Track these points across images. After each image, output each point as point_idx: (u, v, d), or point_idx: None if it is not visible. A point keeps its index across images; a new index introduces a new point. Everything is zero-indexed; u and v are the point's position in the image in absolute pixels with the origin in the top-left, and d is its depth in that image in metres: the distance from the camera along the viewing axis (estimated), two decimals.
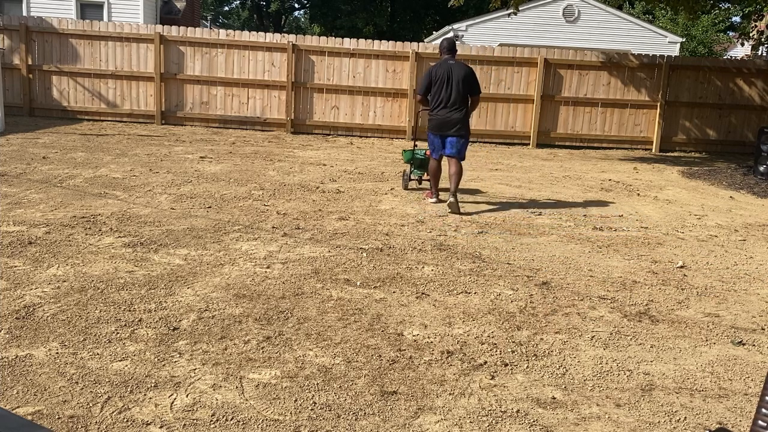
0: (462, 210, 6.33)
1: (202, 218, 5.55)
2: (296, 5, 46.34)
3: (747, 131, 13.11)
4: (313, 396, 2.68)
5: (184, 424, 2.43)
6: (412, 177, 7.51)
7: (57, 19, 12.90)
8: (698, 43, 27.21)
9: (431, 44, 15.65)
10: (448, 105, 6.38)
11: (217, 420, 2.47)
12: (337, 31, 32.13)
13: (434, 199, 6.77)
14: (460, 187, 6.52)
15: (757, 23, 12.59)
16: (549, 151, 12.40)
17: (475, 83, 6.56)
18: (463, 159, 6.52)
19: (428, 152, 6.91)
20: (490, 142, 12.96)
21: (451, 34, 18.56)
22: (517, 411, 2.66)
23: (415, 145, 7.51)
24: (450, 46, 6.62)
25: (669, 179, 9.54)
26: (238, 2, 49.78)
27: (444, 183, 6.91)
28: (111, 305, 3.53)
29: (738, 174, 10.13)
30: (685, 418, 2.69)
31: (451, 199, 6.23)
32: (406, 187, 7.46)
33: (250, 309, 3.58)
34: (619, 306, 3.97)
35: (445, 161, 6.64)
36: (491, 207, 6.73)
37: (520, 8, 13.28)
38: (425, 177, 7.34)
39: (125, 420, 2.43)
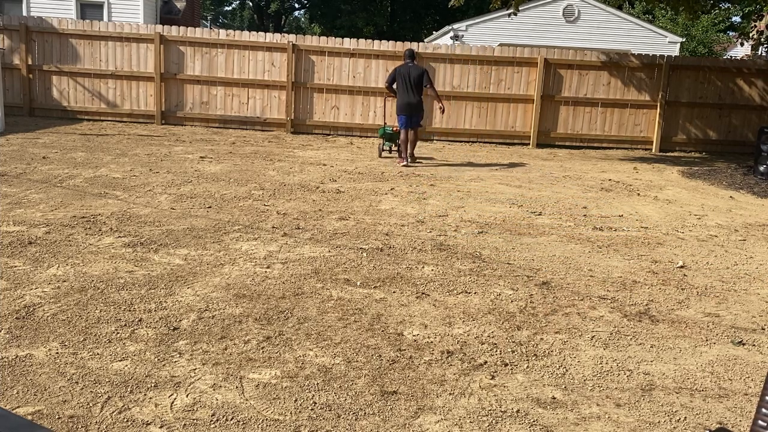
0: (417, 163, 9.58)
1: (202, 218, 5.55)
2: (296, 5, 46.35)
3: (747, 131, 13.11)
4: (313, 396, 2.68)
5: (184, 424, 2.43)
6: (384, 148, 10.14)
7: (57, 19, 12.90)
8: (698, 43, 27.20)
9: (431, 44, 15.66)
10: (410, 94, 9.22)
11: (217, 420, 2.47)
12: (337, 31, 32.13)
13: (405, 162, 9.26)
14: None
15: (757, 23, 12.60)
16: (549, 151, 12.40)
17: (427, 78, 9.31)
18: (420, 126, 9.69)
19: (395, 128, 9.70)
20: (490, 142, 12.96)
21: (451, 34, 18.59)
22: (517, 411, 2.66)
23: (385, 123, 10.13)
24: (410, 54, 9.51)
25: (669, 179, 9.54)
26: (237, 2, 49.78)
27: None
28: (111, 305, 3.53)
29: (738, 174, 10.13)
30: (685, 418, 2.69)
31: (409, 159, 9.32)
32: (380, 156, 10.05)
33: (250, 309, 3.58)
34: (619, 306, 3.97)
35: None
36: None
37: (520, 8, 13.27)
38: (394, 148, 10.05)
39: (125, 420, 2.43)
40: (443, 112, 9.55)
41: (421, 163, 9.66)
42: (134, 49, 12.68)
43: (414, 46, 12.80)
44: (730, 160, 11.92)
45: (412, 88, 9.19)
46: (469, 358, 3.13)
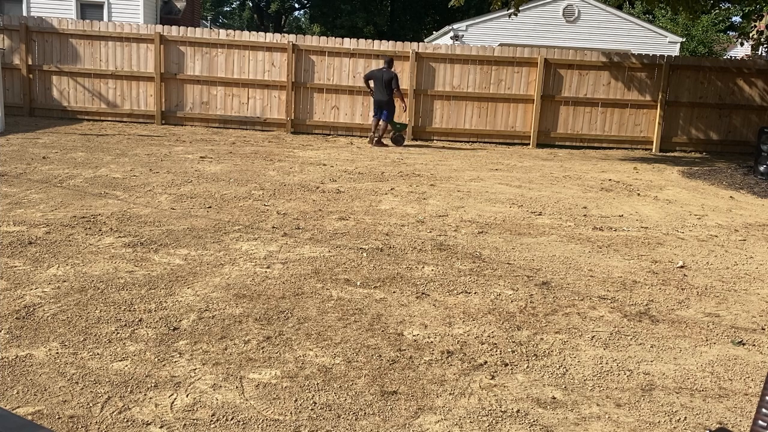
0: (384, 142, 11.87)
1: (202, 218, 5.56)
2: (296, 5, 46.34)
3: (747, 131, 13.11)
4: (313, 396, 2.68)
5: (184, 424, 2.43)
6: (394, 134, 12.13)
7: (57, 19, 12.91)
8: (698, 43, 27.20)
9: (431, 44, 15.65)
10: (380, 93, 11.52)
11: (217, 420, 2.47)
12: (337, 31, 32.13)
13: (372, 143, 11.77)
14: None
15: (757, 23, 12.60)
16: (549, 151, 12.40)
17: (395, 83, 11.50)
18: (390, 119, 11.83)
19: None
20: (490, 142, 12.97)
21: (451, 34, 18.60)
22: (517, 411, 2.66)
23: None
24: (388, 61, 11.69)
25: (669, 179, 9.54)
26: (237, 2, 49.77)
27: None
28: (111, 305, 3.53)
29: (738, 174, 10.13)
30: (685, 418, 2.69)
31: (375, 141, 11.76)
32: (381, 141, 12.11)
33: (250, 309, 3.58)
34: (619, 306, 3.97)
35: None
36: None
37: (520, 8, 13.27)
38: (401, 133, 12.19)
39: (125, 420, 2.43)
40: (405, 110, 12.24)
41: (387, 146, 11.76)
42: (134, 49, 12.68)
43: (414, 46, 12.83)
44: (730, 160, 11.92)
45: (382, 89, 11.56)
46: (469, 358, 3.13)
